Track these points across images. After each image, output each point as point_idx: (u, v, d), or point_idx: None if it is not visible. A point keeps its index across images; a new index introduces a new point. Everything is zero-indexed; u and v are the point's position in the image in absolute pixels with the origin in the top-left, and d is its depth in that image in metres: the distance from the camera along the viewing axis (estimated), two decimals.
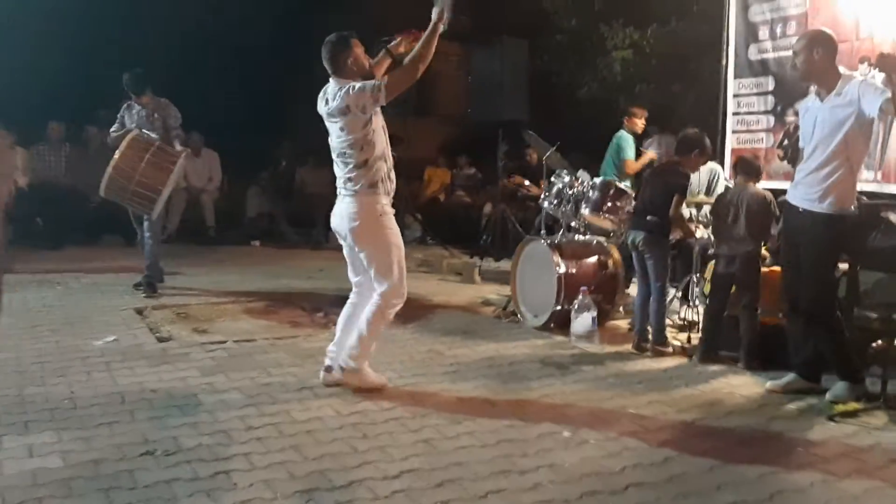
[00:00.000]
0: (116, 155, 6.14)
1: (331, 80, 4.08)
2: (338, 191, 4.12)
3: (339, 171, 4.09)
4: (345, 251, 4.26)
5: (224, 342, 5.07)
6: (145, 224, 6.62)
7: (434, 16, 3.99)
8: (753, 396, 4.22)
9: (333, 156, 4.12)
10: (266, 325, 5.61)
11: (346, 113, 3.95)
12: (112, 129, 6.74)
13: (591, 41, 9.96)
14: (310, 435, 3.49)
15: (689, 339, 5.27)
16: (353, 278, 4.31)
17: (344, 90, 3.94)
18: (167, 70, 8.40)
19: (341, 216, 4.09)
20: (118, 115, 6.72)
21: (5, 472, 2.98)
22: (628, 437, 3.59)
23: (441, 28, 4.00)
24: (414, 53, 4.00)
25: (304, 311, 6.06)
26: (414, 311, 6.01)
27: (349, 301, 4.37)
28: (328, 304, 6.16)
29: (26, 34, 10.87)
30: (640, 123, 7.24)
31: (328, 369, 4.23)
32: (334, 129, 4.05)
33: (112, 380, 4.23)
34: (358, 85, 3.94)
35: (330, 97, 4.03)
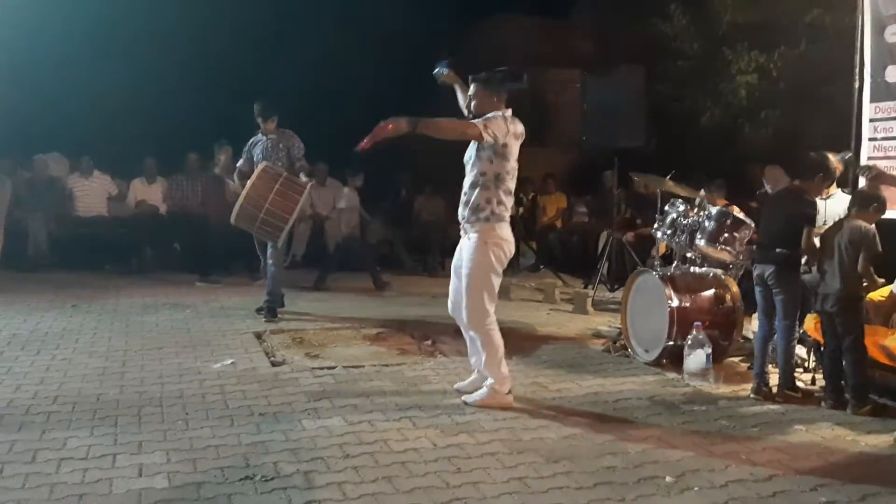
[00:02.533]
0: (248, 185, 6.46)
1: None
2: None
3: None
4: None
5: (333, 367, 5.19)
6: (269, 251, 6.91)
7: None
8: (880, 447, 3.90)
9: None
10: (375, 352, 5.70)
11: None
12: (239, 164, 7.12)
13: (713, 66, 9.64)
14: (404, 466, 3.50)
15: (813, 380, 4.95)
16: None
17: None
18: (297, 104, 8.82)
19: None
20: (245, 150, 7.08)
21: (114, 491, 3.16)
22: (736, 486, 3.38)
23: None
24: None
25: (413, 338, 6.12)
26: (520, 342, 5.97)
27: None
28: (437, 332, 6.22)
29: (170, 70, 11.72)
30: None
31: None
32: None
33: (224, 403, 4.41)
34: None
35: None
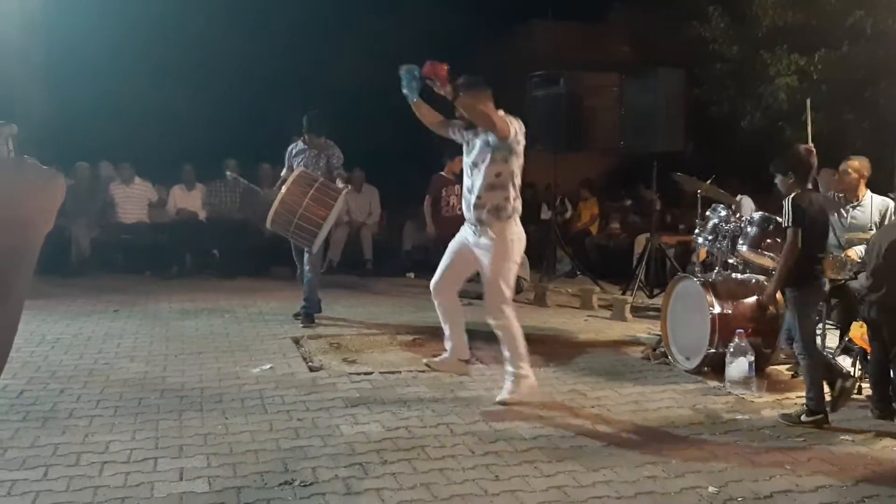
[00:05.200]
0: (283, 190, 6.49)
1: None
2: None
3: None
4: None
5: (370, 373, 5.19)
6: (305, 257, 6.94)
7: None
8: None
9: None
10: (412, 358, 5.69)
11: None
12: (283, 173, 7.16)
13: (753, 68, 9.50)
14: (442, 473, 3.49)
15: (859, 390, 4.82)
16: None
17: None
18: (331, 109, 8.87)
19: None
20: (286, 158, 7.13)
21: (156, 495, 3.19)
22: (781, 497, 3.31)
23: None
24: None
25: None
26: (557, 349, 5.93)
27: None
28: (473, 338, 6.18)
29: (208, 78, 11.88)
30: None
31: None
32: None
33: (263, 407, 4.44)
34: None
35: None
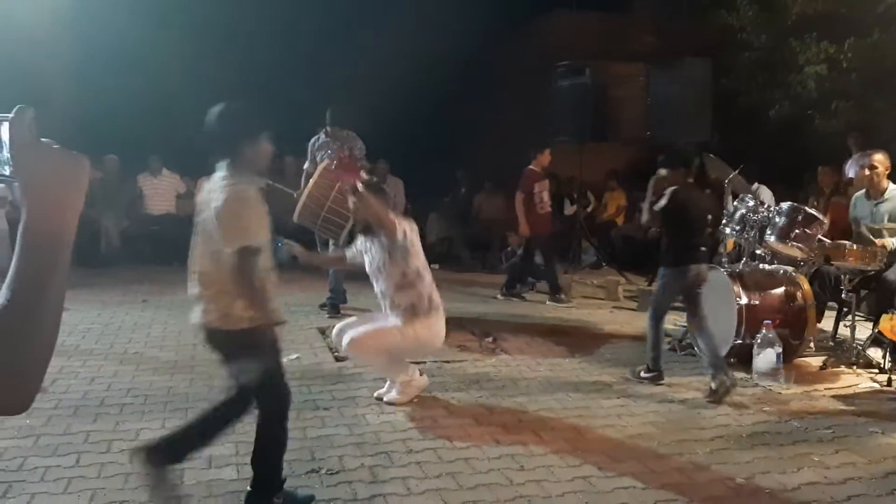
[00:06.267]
0: (310, 184, 6.53)
1: None
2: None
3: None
4: None
5: None
6: (330, 249, 6.98)
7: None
8: None
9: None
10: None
11: None
12: (305, 166, 7.21)
13: (781, 57, 9.37)
14: (467, 463, 3.50)
15: (889, 381, 4.78)
16: None
17: None
18: (358, 103, 8.90)
19: None
20: (309, 150, 7.16)
21: (185, 482, 3.24)
22: (809, 489, 3.29)
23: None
24: None
25: (474, 335, 6.11)
26: (583, 341, 5.92)
27: None
28: (498, 329, 6.20)
29: (233, 70, 11.96)
30: None
31: None
32: None
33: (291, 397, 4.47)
34: None
35: None
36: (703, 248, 4.91)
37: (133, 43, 10.63)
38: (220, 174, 2.93)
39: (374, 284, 4.41)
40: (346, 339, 4.30)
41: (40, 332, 0.94)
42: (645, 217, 5.18)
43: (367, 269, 4.43)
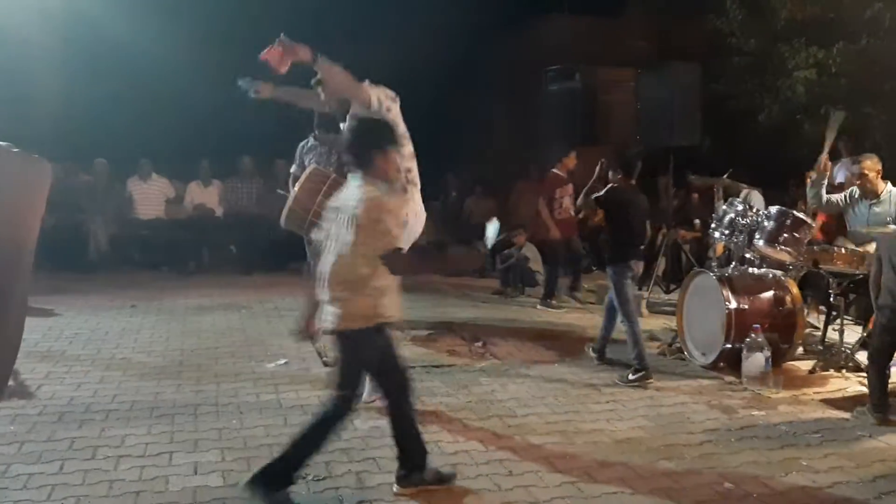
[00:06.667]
0: (297, 188, 6.50)
1: None
2: None
3: None
4: None
5: None
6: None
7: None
8: None
9: None
10: (425, 353, 5.69)
11: None
12: (292, 170, 7.16)
13: (771, 62, 9.41)
14: (455, 468, 3.48)
15: None
16: None
17: None
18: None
19: None
20: (297, 155, 7.12)
21: (170, 489, 3.21)
22: (797, 493, 3.29)
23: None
24: None
25: (463, 340, 6.10)
26: (572, 345, 5.91)
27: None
28: (488, 334, 6.19)
29: (226, 75, 11.91)
30: None
31: None
32: None
33: (278, 402, 4.45)
34: None
35: None
36: (641, 247, 5.55)
37: (123, 47, 10.57)
38: (356, 182, 3.26)
39: None
40: None
41: (3, 334, 0.93)
42: (580, 200, 5.78)
43: None
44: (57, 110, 10.04)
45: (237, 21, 11.20)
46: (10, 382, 4.69)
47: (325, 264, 3.19)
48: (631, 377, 4.93)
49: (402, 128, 4.29)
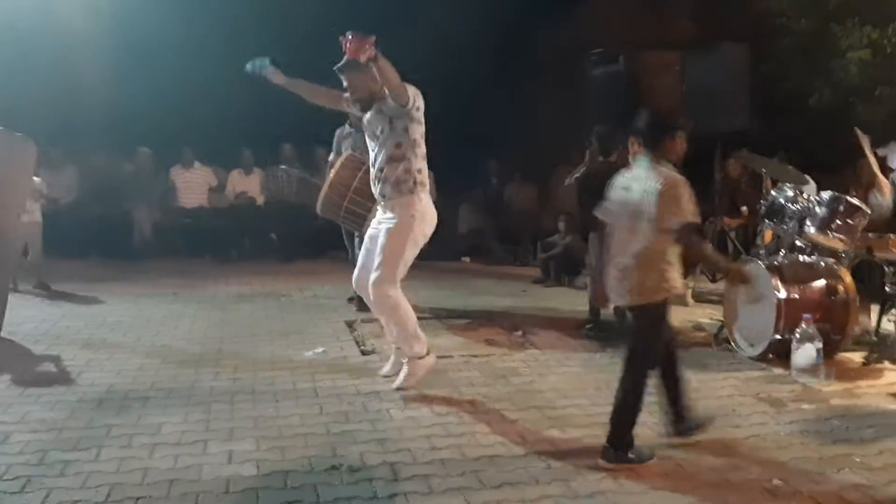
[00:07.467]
0: (332, 174, 6.46)
1: None
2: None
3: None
4: None
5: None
6: (356, 241, 6.91)
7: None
8: None
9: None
10: (464, 342, 5.62)
11: None
12: (330, 158, 7.14)
13: (822, 43, 9.06)
14: (492, 461, 3.40)
15: None
16: None
17: None
18: None
19: None
20: (335, 142, 7.09)
21: (204, 477, 3.19)
22: (850, 491, 3.13)
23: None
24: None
25: (502, 329, 6.01)
26: (615, 335, 5.76)
27: None
28: (527, 323, 6.09)
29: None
30: None
31: None
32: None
33: (314, 391, 4.42)
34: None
35: None
36: None
37: (167, 36, 10.64)
38: (645, 163, 3.45)
39: (370, 152, 4.44)
40: (371, 289, 4.35)
41: None
42: (566, 181, 6.35)
43: (366, 135, 4.50)
44: (101, 100, 10.17)
45: (275, 10, 11.20)
46: (53, 368, 4.78)
47: (621, 241, 3.43)
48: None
49: (422, 128, 4.35)
